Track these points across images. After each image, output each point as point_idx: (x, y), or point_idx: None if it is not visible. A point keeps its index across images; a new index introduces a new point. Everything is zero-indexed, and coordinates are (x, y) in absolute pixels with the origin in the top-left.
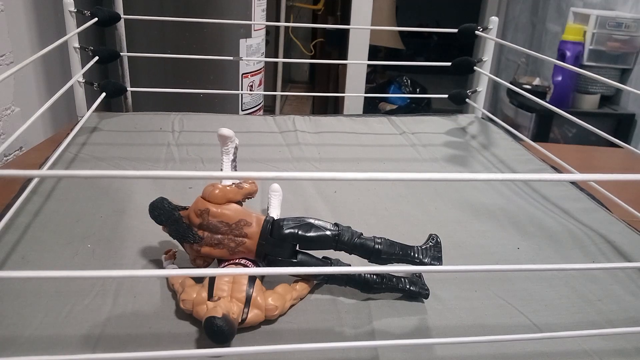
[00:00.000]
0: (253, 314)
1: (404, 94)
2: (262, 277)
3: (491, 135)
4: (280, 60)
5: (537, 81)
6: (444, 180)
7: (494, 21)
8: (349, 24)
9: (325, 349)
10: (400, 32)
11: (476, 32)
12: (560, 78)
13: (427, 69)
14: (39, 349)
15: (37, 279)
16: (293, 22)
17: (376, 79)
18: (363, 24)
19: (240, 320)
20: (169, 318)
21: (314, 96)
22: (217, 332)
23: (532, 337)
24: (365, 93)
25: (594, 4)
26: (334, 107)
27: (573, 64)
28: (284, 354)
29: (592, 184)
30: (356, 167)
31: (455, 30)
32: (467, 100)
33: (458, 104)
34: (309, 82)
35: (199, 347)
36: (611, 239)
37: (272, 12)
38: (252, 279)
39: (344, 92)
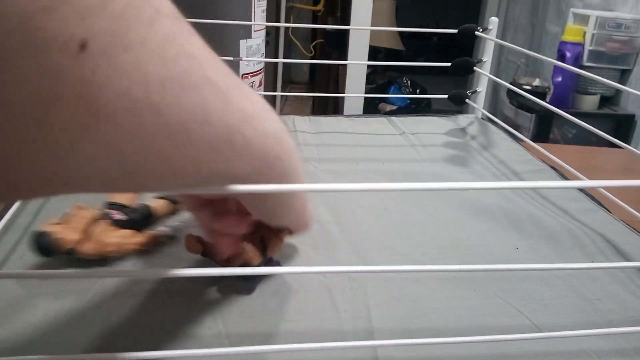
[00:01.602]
0: (87, 244)
1: (404, 94)
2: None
3: (491, 135)
4: (280, 60)
5: (537, 82)
6: (447, 189)
7: (493, 22)
8: (348, 25)
9: (324, 349)
10: (400, 33)
11: (476, 32)
12: (560, 79)
13: (427, 69)
14: (39, 349)
15: (37, 279)
16: (293, 23)
17: (376, 80)
18: (363, 25)
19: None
20: (169, 318)
21: (313, 97)
22: (34, 242)
23: (532, 337)
24: (365, 94)
25: (594, 4)
26: (334, 108)
27: (573, 64)
28: (283, 354)
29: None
30: (356, 167)
31: (455, 31)
32: (467, 100)
33: (458, 105)
34: (309, 82)
35: (199, 347)
36: (611, 239)
37: (272, 13)
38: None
39: (344, 93)
